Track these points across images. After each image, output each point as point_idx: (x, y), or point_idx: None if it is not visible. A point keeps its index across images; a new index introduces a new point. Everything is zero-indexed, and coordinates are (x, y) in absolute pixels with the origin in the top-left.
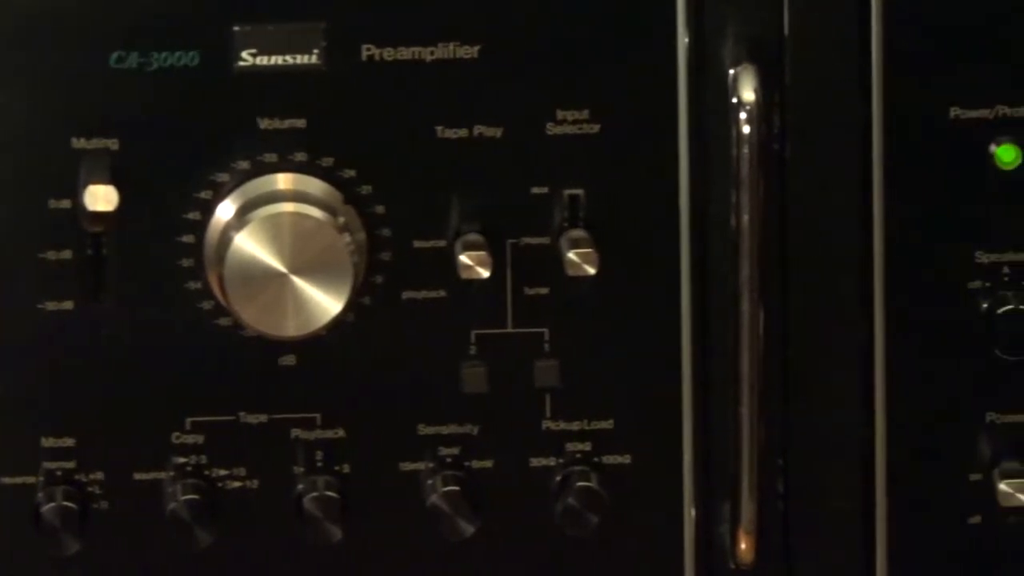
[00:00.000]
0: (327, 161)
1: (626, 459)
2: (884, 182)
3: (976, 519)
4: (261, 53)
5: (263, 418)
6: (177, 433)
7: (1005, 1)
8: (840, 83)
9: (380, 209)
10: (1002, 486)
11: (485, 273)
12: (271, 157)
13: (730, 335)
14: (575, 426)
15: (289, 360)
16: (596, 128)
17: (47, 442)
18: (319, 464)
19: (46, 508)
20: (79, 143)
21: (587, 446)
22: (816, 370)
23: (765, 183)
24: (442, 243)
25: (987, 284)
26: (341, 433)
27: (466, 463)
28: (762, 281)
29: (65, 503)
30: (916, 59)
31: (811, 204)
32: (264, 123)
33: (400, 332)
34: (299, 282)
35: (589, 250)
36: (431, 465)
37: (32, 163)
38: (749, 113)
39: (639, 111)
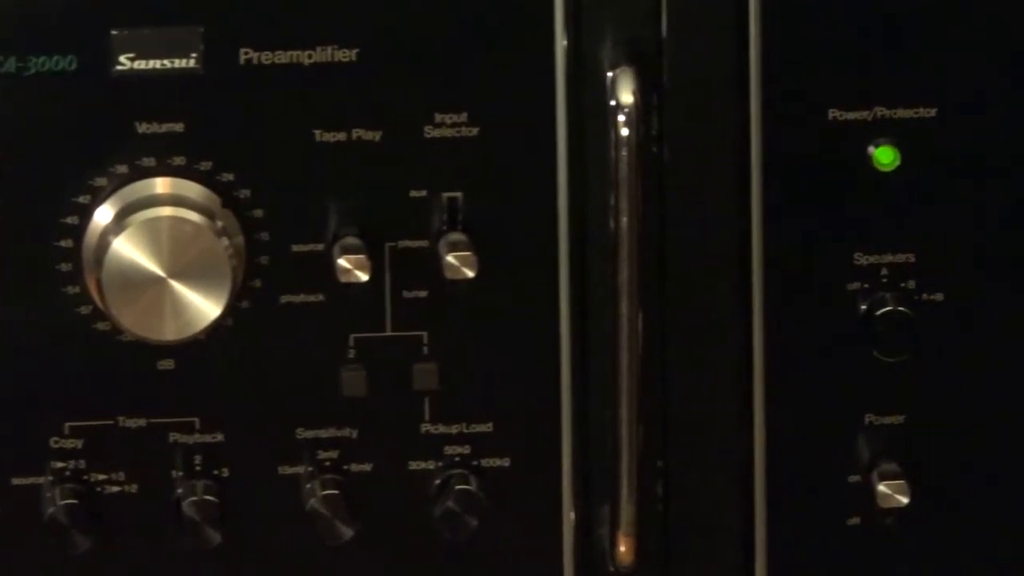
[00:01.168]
0: (205, 165)
1: (505, 462)
2: (762, 183)
3: (855, 520)
4: (139, 57)
5: (142, 422)
6: (56, 438)
7: (883, 4)
8: (718, 85)
9: (258, 213)
10: (881, 487)
11: (364, 276)
12: (149, 161)
13: (609, 337)
14: (454, 429)
15: (168, 364)
16: (475, 131)
17: None
18: (198, 468)
19: None
20: None
21: (466, 449)
22: (695, 372)
23: (643, 185)
24: (320, 247)
25: (866, 285)
26: (220, 437)
27: (345, 467)
28: (640, 283)
29: None
30: (794, 61)
31: (690, 206)
32: (142, 127)
33: (279, 336)
34: (178, 286)
35: (468, 253)
36: (310, 469)
37: None
38: (628, 115)
39: (518, 114)
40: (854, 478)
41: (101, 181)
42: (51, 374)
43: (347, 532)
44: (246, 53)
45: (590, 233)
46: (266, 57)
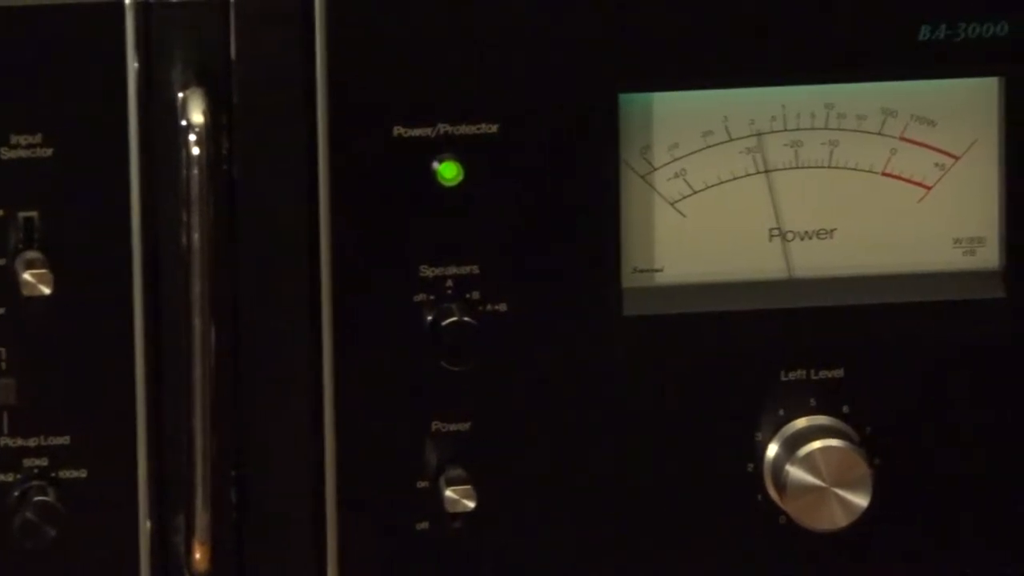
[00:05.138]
0: None
1: (83, 473)
2: (330, 200)
3: (424, 525)
4: None
5: None
6: None
7: (444, 25)
8: (287, 104)
9: None
10: (448, 492)
11: None
12: None
13: (182, 350)
14: (32, 442)
15: None
16: (49, 152)
17: None
18: None
19: None
20: None
21: (44, 461)
22: (267, 382)
23: (214, 202)
24: None
25: (432, 297)
26: None
27: None
28: (212, 297)
29: None
30: (360, 80)
31: (260, 222)
32: None
33: None
34: None
35: (44, 271)
36: None
37: None
38: (198, 135)
39: (91, 134)
40: (422, 484)
41: None
42: None
43: None
44: None
45: (164, 249)
46: None
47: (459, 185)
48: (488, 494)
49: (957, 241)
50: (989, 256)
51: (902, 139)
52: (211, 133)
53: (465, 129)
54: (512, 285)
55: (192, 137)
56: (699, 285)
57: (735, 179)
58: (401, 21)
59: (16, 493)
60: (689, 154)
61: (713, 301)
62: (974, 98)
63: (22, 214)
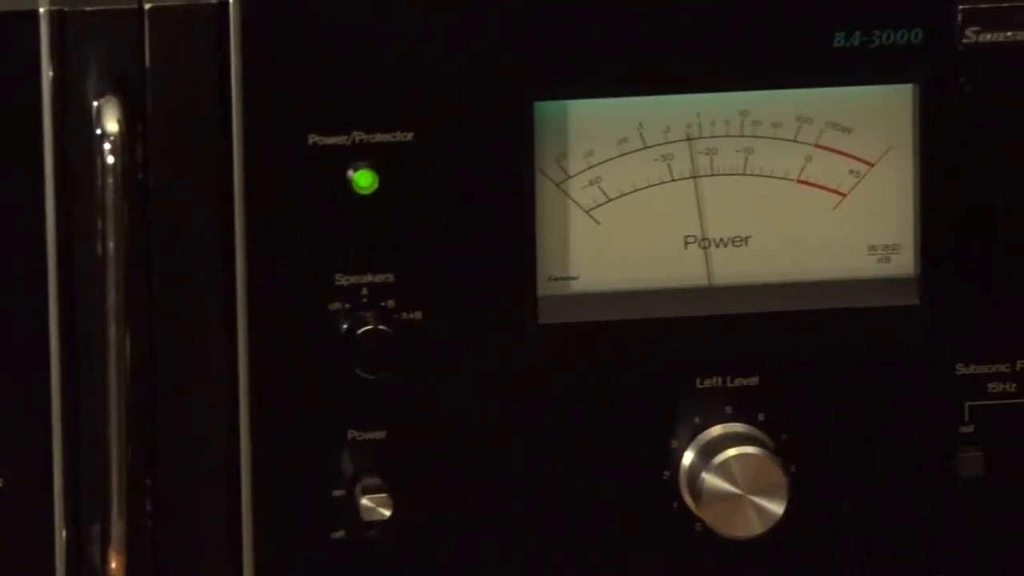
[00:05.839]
0: None
1: None
2: (245, 208)
3: (340, 534)
4: None
5: None
6: None
7: (362, 34)
8: (202, 112)
9: None
10: (364, 501)
11: None
12: None
13: (98, 359)
14: None
15: None
16: None
17: None
18: None
19: None
20: None
21: None
22: (183, 392)
23: (130, 211)
24: None
25: (347, 305)
26: None
27: None
28: (128, 307)
29: None
30: (275, 88)
31: (175, 231)
32: None
33: None
34: None
35: None
36: None
37: None
38: (113, 144)
39: (5, 143)
40: (338, 492)
41: None
42: None
43: None
44: None
45: (79, 258)
46: None
47: (374, 193)
48: (404, 502)
49: (872, 248)
50: (904, 263)
51: (817, 146)
52: (126, 142)
53: (380, 137)
54: (427, 293)
55: (107, 146)
56: (614, 293)
57: (650, 186)
58: (316, 30)
59: None
60: (604, 161)
61: (628, 309)
62: (889, 105)
63: None
